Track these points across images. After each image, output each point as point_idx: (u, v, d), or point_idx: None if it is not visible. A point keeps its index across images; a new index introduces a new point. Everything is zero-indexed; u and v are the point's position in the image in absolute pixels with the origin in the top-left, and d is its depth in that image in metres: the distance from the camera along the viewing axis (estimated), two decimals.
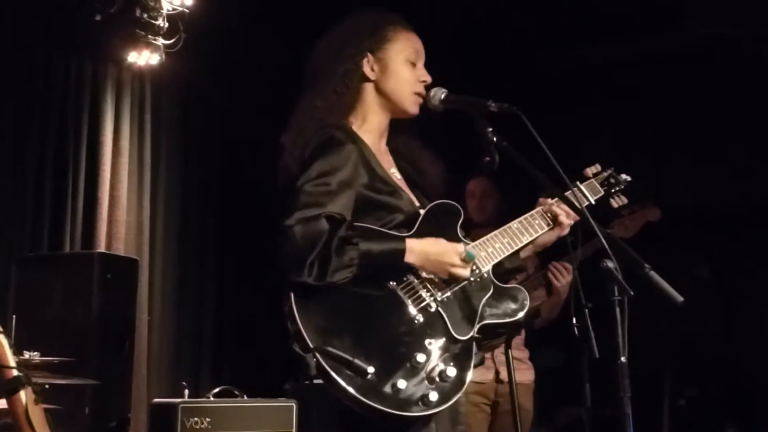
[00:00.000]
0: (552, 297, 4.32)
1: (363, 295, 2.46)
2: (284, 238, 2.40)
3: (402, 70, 2.75)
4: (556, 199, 2.78)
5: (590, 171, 3.02)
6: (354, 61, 2.71)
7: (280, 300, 2.46)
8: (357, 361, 2.35)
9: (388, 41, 2.76)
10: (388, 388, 2.38)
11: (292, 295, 2.40)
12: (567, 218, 2.81)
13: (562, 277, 4.26)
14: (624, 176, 3.06)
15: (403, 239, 2.53)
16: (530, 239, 2.78)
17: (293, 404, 4.58)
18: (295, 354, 2.38)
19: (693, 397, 6.52)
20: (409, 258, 2.51)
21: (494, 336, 4.25)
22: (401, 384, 2.39)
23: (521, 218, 2.80)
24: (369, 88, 2.74)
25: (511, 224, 2.77)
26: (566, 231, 2.82)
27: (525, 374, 4.66)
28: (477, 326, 2.59)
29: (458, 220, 2.69)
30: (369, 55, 2.73)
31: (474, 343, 2.58)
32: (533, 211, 2.82)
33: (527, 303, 2.67)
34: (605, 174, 3.04)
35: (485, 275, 2.67)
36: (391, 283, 2.53)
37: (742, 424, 6.31)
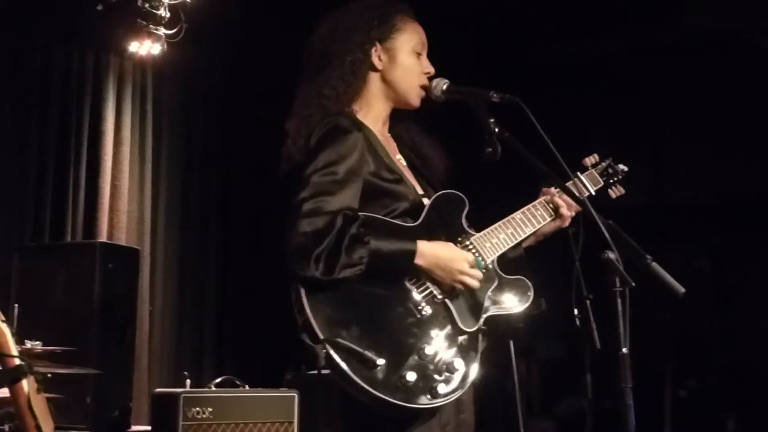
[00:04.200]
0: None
1: (371, 285, 2.46)
2: (293, 232, 2.40)
3: (409, 61, 2.74)
4: (558, 189, 2.78)
5: (589, 161, 3.00)
6: (363, 50, 2.70)
7: (285, 289, 2.46)
8: (367, 352, 2.36)
9: (397, 31, 2.75)
10: (396, 380, 2.38)
11: (301, 286, 2.40)
12: (568, 210, 2.80)
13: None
14: (622, 166, 3.03)
15: (414, 240, 2.52)
16: (533, 230, 2.78)
17: (295, 394, 4.58)
18: (303, 344, 2.38)
19: (694, 389, 6.54)
20: (419, 261, 2.51)
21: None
22: (410, 376, 2.39)
23: (524, 209, 2.79)
24: (374, 77, 2.74)
25: (514, 215, 2.76)
26: (567, 223, 2.81)
27: None
28: (483, 318, 2.60)
29: (463, 210, 2.69)
30: (377, 44, 2.72)
31: (480, 335, 2.58)
32: (536, 202, 2.81)
33: (531, 294, 2.67)
34: (604, 164, 3.02)
35: (490, 266, 2.66)
36: None
37: (741, 416, 6.32)
